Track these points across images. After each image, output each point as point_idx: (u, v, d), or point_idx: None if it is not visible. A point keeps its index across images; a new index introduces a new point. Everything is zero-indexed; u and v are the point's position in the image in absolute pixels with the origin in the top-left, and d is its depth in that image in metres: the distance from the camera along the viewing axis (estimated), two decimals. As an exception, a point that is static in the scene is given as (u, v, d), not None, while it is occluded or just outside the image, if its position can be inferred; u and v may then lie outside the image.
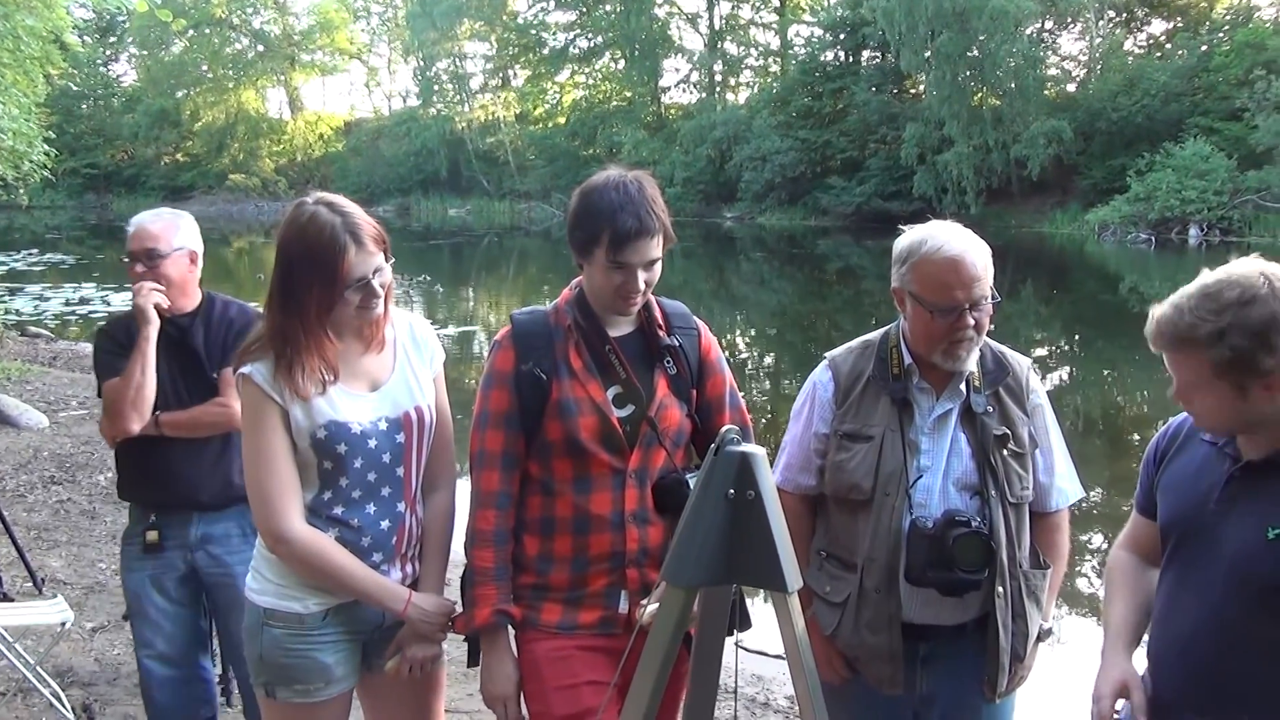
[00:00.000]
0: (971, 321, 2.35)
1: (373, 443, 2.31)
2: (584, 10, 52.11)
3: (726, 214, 40.05)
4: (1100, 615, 5.77)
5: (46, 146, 12.08)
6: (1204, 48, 32.20)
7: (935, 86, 33.83)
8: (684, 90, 51.33)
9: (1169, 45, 34.79)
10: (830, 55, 41.20)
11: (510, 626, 2.39)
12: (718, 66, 49.59)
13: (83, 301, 19.31)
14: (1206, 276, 1.89)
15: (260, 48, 58.91)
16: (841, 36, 40.03)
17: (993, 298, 2.37)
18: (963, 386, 2.46)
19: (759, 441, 1.89)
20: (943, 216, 2.54)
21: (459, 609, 2.43)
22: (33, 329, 15.50)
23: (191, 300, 3.23)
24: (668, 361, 2.44)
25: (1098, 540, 6.92)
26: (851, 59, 40.64)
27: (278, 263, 2.26)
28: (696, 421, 2.48)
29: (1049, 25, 36.41)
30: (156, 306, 3.09)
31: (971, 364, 2.43)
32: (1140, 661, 2.16)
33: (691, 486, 2.02)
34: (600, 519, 2.35)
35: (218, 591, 3.23)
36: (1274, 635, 1.89)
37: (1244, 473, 1.95)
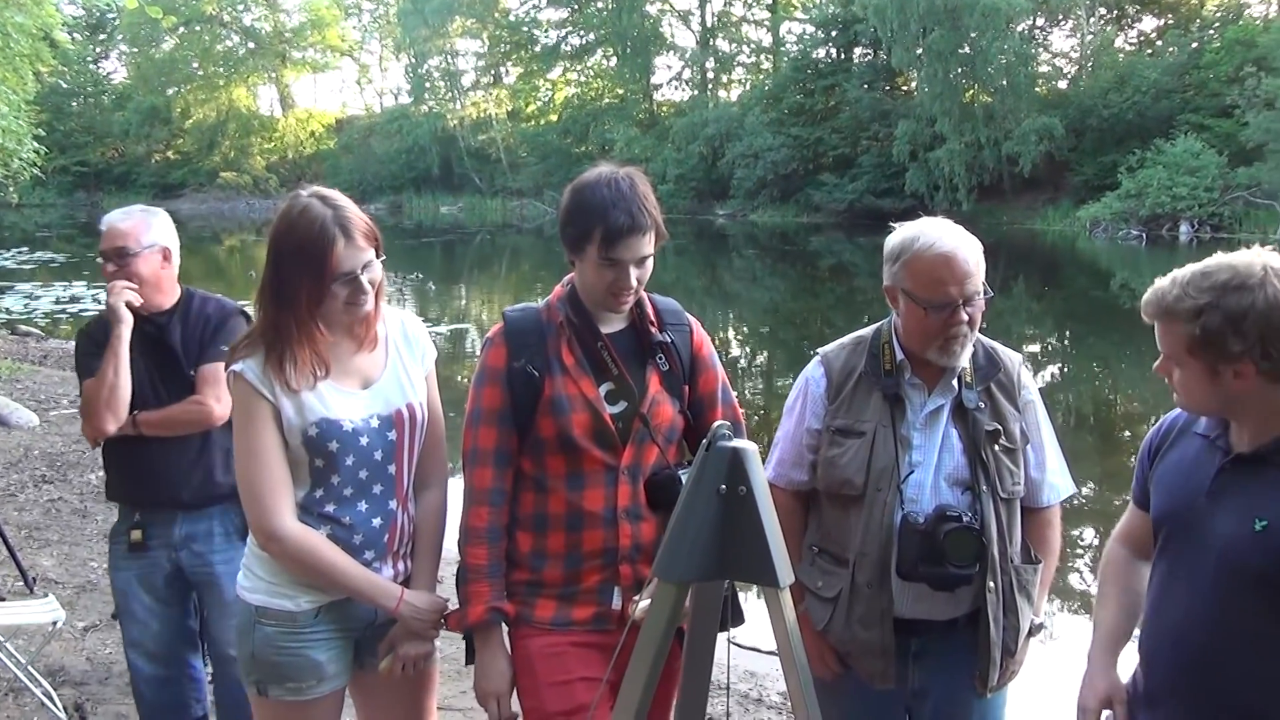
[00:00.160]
0: (965, 317, 2.36)
1: (364, 440, 2.31)
2: (576, 7, 52.01)
3: (719, 211, 40.04)
4: (1090, 611, 5.80)
5: (36, 144, 12.04)
6: (1195, 45, 32.31)
7: (927, 83, 33.88)
8: (676, 87, 51.43)
9: (1160, 42, 34.88)
10: (822, 52, 41.20)
11: (504, 623, 2.39)
12: (710, 63, 49.57)
13: (73, 300, 19.22)
14: (1212, 258, 1.93)
15: (251, 45, 58.64)
16: (833, 33, 40.00)
17: (985, 292, 2.39)
18: (954, 382, 2.46)
19: (752, 438, 1.90)
20: (935, 213, 2.55)
21: (451, 606, 2.43)
22: (23, 327, 15.44)
23: (168, 297, 3.21)
24: (660, 358, 2.44)
25: (1089, 536, 6.95)
26: (843, 56, 40.63)
27: (269, 254, 2.26)
28: (689, 417, 2.49)
29: (1040, 22, 36.44)
30: (130, 305, 3.08)
31: (966, 359, 2.44)
32: (1128, 663, 2.19)
33: (684, 482, 2.02)
34: (593, 515, 2.36)
35: (201, 591, 3.23)
36: (1263, 626, 1.91)
37: (1233, 465, 1.97)
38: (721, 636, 1.76)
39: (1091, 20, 35.90)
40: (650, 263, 2.35)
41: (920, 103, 34.67)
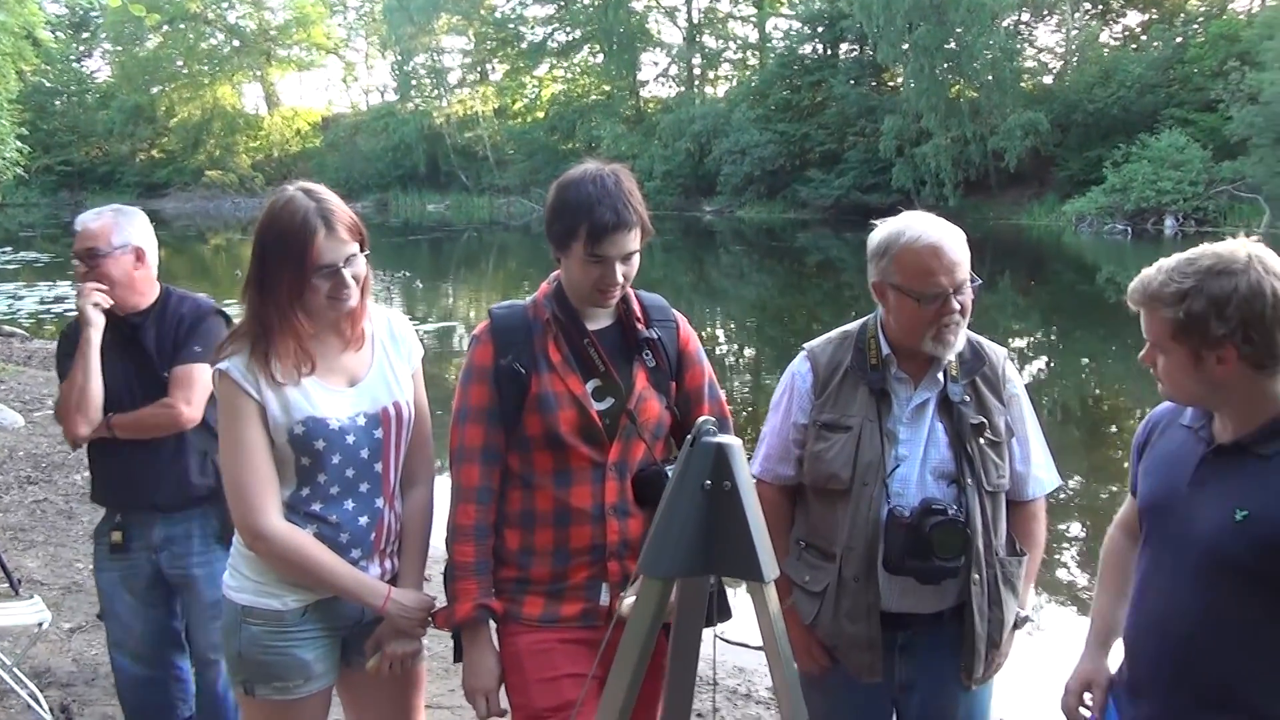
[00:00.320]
0: (957, 306, 2.37)
1: (351, 438, 2.31)
2: (562, 4, 51.93)
3: (706, 207, 40.05)
4: (1077, 603, 5.84)
5: (19, 143, 11.97)
6: (1179, 39, 32.42)
7: (913, 79, 33.92)
8: (663, 84, 51.49)
9: (1144, 37, 35.00)
10: (808, 48, 41.21)
11: (492, 620, 2.39)
12: (696, 60, 49.55)
13: (58, 300, 19.10)
14: (1198, 247, 1.95)
15: (236, 42, 58.34)
16: (819, 29, 40.05)
17: (973, 280, 2.40)
18: (940, 376, 2.47)
19: (740, 434, 1.90)
20: (921, 209, 2.56)
21: (439, 604, 2.43)
22: (7, 328, 15.33)
23: (144, 298, 3.17)
24: (646, 354, 2.44)
25: (1075, 529, 6.97)
26: (830, 52, 40.67)
27: (254, 247, 2.27)
28: (676, 413, 2.49)
29: (1025, 17, 36.51)
30: (100, 306, 3.05)
31: (959, 348, 2.45)
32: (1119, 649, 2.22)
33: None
34: (580, 512, 2.36)
35: (180, 594, 3.22)
36: (1244, 615, 1.92)
37: (1215, 456, 1.99)
38: (708, 632, 1.76)
39: (1076, 15, 36.01)
40: (636, 259, 2.35)
41: (906, 98, 34.71)
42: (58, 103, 57.47)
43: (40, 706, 3.94)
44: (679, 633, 1.74)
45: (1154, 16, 35.27)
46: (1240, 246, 1.91)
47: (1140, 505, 2.18)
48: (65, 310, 17.65)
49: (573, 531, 2.37)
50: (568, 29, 52.71)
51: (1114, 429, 10.28)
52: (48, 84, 52.76)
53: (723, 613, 2.38)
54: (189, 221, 42.56)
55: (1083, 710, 2.26)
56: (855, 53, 39.73)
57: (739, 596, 2.60)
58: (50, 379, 10.99)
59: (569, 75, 54.80)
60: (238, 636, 2.32)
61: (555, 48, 53.41)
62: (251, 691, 2.34)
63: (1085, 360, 14.06)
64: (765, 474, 2.61)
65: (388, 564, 2.42)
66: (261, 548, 2.25)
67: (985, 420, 2.47)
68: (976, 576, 2.42)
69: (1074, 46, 35.72)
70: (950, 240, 2.37)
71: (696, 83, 49.17)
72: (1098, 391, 12.29)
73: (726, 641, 4.64)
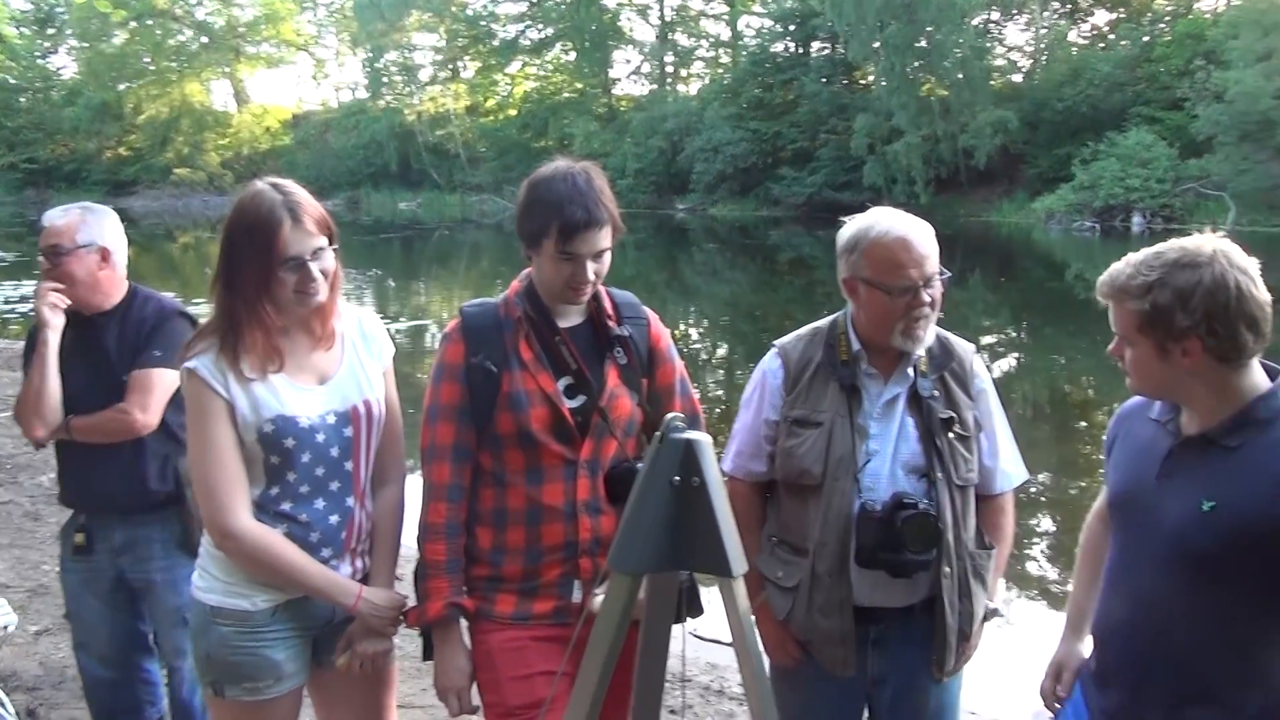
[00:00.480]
0: (928, 298, 2.39)
1: (320, 436, 2.30)
2: (534, 1, 51.82)
3: (678, 205, 40.06)
4: (1046, 596, 5.91)
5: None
6: (1146, 38, 32.78)
7: (884, 77, 34.13)
8: (635, 82, 51.47)
9: (1112, 36, 35.34)
10: (780, 46, 41.34)
11: (463, 618, 2.39)
12: (669, 58, 49.60)
13: (23, 299, 18.85)
14: (1166, 242, 1.99)
15: (204, 39, 57.78)
16: (791, 28, 40.20)
17: (942, 273, 2.42)
18: (910, 371, 2.49)
19: (712, 431, 1.91)
20: (893, 206, 2.58)
21: (410, 603, 2.42)
22: (-29, 328, 15.13)
23: (109, 298, 3.11)
24: (618, 351, 2.44)
25: (1045, 523, 7.04)
26: (801, 50, 40.81)
27: (222, 241, 2.25)
28: (647, 410, 2.49)
29: (995, 16, 36.82)
30: (58, 307, 3.00)
31: (928, 343, 2.46)
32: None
33: (641, 475, 2.03)
34: (552, 509, 2.36)
35: (144, 598, 3.19)
36: (1210, 605, 1.95)
37: (1182, 448, 2.01)
38: (679, 628, 1.77)
39: (1045, 14, 36.33)
40: (608, 257, 2.36)
41: (878, 96, 34.91)
42: (22, 99, 56.68)
43: (6, 710, 3.89)
44: (648, 628, 1.74)
45: (1122, 15, 35.65)
46: (1206, 241, 1.94)
47: (1109, 498, 2.21)
48: (30, 310, 17.40)
49: (545, 529, 2.36)
50: (540, 26, 52.60)
51: (1082, 424, 10.38)
52: (12, 80, 52.12)
53: (695, 609, 2.40)
54: (157, 220, 42.12)
55: (1059, 691, 2.32)
56: (827, 51, 39.89)
57: (711, 593, 2.62)
58: (16, 379, 10.80)
59: (541, 73, 54.65)
60: (206, 637, 2.30)
61: (527, 45, 53.28)
62: (221, 692, 2.32)
63: (1054, 356, 14.19)
64: (737, 470, 2.62)
65: (359, 563, 2.41)
66: (231, 547, 2.23)
67: (954, 415, 2.49)
68: (947, 570, 2.44)
69: (1043, 45, 36.05)
70: (919, 233, 2.39)
71: (669, 80, 49.20)
72: (1066, 387, 12.41)
73: (699, 638, 4.65)
